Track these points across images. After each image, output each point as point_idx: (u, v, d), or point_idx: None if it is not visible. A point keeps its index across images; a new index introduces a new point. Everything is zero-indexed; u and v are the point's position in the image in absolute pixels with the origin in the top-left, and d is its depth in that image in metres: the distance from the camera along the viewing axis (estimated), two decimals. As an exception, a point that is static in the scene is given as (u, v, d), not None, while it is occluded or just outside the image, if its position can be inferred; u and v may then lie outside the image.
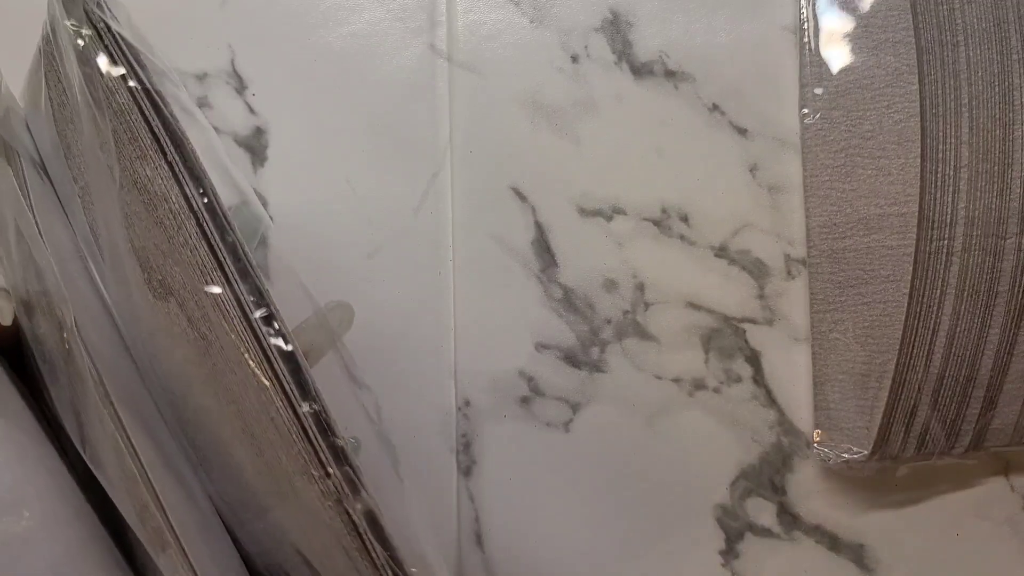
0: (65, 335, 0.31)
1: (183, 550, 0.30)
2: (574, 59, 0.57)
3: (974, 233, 0.48)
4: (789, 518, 0.55)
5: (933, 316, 0.49)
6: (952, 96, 0.48)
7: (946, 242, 0.48)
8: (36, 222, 0.33)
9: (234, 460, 0.34)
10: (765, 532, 0.55)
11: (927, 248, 0.48)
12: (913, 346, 0.49)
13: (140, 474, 0.30)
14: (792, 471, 0.55)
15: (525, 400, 0.57)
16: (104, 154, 0.32)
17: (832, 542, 0.55)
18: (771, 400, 0.55)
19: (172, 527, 0.30)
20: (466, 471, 0.57)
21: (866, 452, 0.51)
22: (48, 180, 0.36)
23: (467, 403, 0.57)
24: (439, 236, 0.57)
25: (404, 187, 0.58)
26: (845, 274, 0.51)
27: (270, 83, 0.59)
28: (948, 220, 0.48)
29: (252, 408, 0.31)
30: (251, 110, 0.58)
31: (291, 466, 0.31)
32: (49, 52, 0.34)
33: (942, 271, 0.48)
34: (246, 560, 0.37)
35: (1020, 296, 0.48)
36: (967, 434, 0.50)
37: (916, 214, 0.48)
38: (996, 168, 0.47)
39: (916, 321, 0.49)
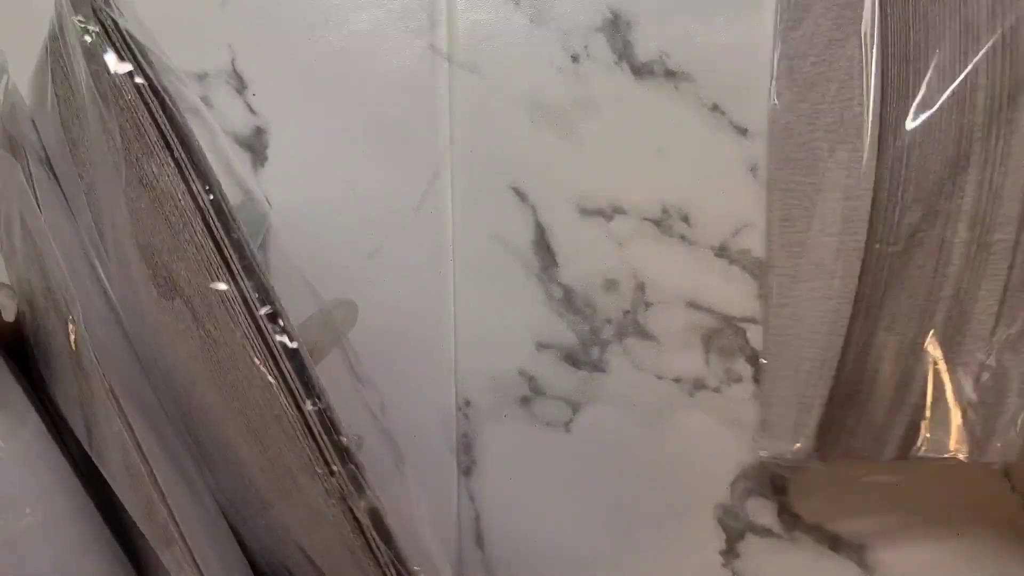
0: (71, 331, 0.31)
1: (187, 546, 0.30)
2: (574, 59, 0.57)
3: (922, 235, 0.47)
4: (790, 518, 0.55)
5: (874, 317, 0.48)
6: (913, 95, 0.48)
7: (894, 242, 0.48)
8: (43, 217, 0.33)
9: (237, 457, 0.34)
10: (766, 532, 0.55)
11: (876, 247, 0.48)
12: (854, 346, 0.49)
13: (146, 470, 0.30)
14: (793, 471, 0.55)
15: (525, 400, 0.57)
16: (110, 150, 0.32)
17: (833, 542, 0.55)
18: (771, 400, 0.55)
19: (177, 523, 0.30)
20: (466, 471, 0.57)
21: (801, 447, 0.50)
22: (54, 176, 0.36)
23: (467, 403, 0.57)
24: (439, 236, 0.57)
25: (404, 187, 0.58)
26: (800, 269, 0.50)
27: (270, 83, 0.59)
28: (898, 220, 0.48)
29: (256, 405, 0.31)
30: (251, 110, 0.58)
31: (295, 463, 0.31)
32: (56, 49, 0.34)
33: (886, 272, 0.48)
34: (248, 557, 0.37)
35: (962, 303, 0.48)
36: (894, 441, 0.49)
37: (868, 211, 0.48)
38: (948, 170, 0.47)
39: (859, 321, 0.48)
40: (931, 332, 0.48)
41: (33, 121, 0.39)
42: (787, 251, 0.51)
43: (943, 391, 0.48)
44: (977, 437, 0.48)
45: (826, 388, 0.49)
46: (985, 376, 0.47)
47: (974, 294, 0.47)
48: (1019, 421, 0.47)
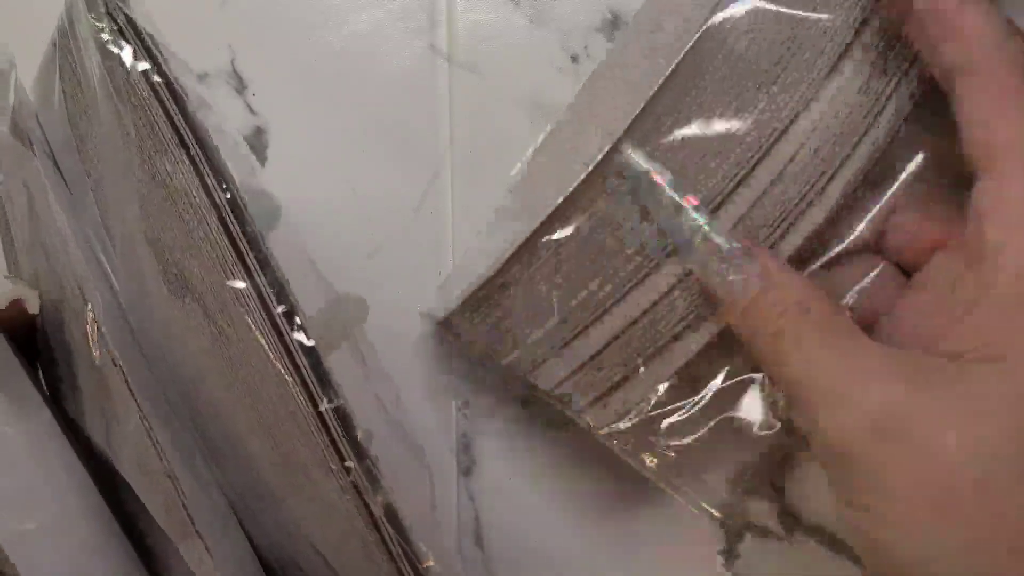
0: (89, 327, 0.31)
1: (201, 539, 0.30)
2: (574, 59, 0.57)
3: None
4: (789, 518, 0.55)
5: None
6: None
7: None
8: (54, 208, 0.33)
9: (247, 452, 0.34)
10: (766, 532, 0.56)
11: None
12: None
13: (165, 465, 0.30)
14: (793, 471, 0.55)
15: (525, 400, 0.57)
16: (123, 147, 0.32)
17: (833, 542, 0.55)
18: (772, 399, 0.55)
19: (191, 518, 0.30)
20: (466, 471, 0.57)
21: (449, 315, 0.48)
22: (59, 173, 0.36)
23: (467, 403, 0.57)
24: (439, 236, 0.57)
25: (404, 187, 0.58)
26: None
27: (270, 83, 0.58)
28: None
29: (270, 401, 0.31)
30: (251, 110, 0.58)
31: (310, 459, 0.31)
32: (64, 45, 0.34)
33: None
34: (257, 553, 0.36)
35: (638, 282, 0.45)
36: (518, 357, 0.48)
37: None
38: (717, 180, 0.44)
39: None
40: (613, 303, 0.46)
41: (38, 117, 0.39)
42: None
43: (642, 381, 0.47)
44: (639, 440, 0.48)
45: (489, 272, 0.46)
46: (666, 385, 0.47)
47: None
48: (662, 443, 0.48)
